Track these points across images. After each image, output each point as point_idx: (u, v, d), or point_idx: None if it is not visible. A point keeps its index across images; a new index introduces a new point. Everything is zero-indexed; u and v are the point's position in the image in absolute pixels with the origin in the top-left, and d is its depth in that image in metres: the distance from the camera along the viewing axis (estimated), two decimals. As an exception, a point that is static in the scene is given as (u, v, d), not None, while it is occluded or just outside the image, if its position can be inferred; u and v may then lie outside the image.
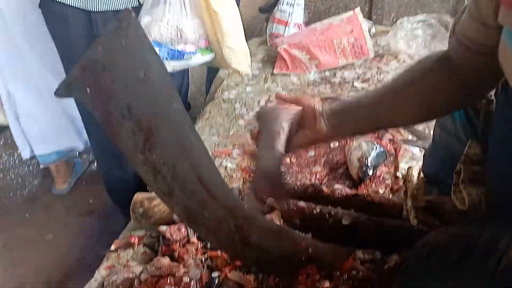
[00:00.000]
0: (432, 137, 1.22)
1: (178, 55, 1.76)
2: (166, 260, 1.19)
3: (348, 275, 0.98)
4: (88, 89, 0.73)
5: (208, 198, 0.86)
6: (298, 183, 1.42)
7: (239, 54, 1.87)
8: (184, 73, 2.40)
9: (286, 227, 0.94)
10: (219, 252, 1.17)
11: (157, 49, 1.67)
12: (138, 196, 1.38)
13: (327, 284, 0.95)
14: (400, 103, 0.86)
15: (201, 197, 0.86)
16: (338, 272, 0.98)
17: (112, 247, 1.31)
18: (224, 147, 1.73)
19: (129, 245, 1.32)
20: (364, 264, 1.03)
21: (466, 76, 0.80)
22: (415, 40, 2.14)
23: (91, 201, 2.40)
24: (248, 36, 2.31)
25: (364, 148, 1.50)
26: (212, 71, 2.49)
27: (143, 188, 1.68)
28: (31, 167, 2.72)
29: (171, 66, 1.77)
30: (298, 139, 0.92)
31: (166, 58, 1.74)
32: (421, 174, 1.42)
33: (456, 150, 0.96)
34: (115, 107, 0.74)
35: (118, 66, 0.69)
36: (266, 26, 2.50)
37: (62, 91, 0.74)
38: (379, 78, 2.07)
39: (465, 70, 0.79)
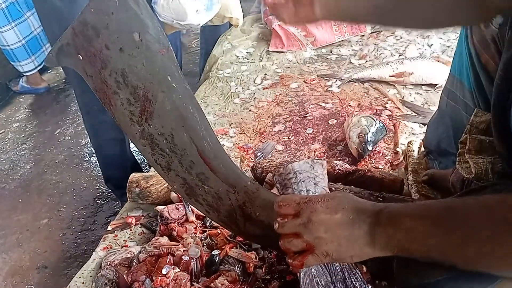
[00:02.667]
0: (438, 106, 1.18)
1: (210, 6, 1.77)
2: (164, 240, 1.16)
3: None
4: (80, 56, 0.69)
5: (208, 172, 0.83)
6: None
7: (235, 4, 2.12)
8: (178, 41, 2.34)
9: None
10: (218, 230, 1.15)
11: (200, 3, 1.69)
12: (134, 175, 1.34)
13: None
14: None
15: (200, 170, 0.83)
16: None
17: (109, 228, 1.29)
18: (221, 126, 1.70)
19: (126, 225, 1.29)
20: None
21: None
22: (412, 15, 2.10)
23: (85, 185, 2.36)
24: (243, 13, 2.26)
25: (364, 124, 1.47)
26: (205, 49, 2.44)
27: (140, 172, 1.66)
28: (22, 152, 2.67)
29: (205, 18, 1.81)
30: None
31: (204, 9, 1.74)
32: (422, 148, 1.40)
33: (464, 119, 0.93)
34: (109, 74, 0.70)
35: (112, 28, 0.65)
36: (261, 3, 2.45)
37: (52, 59, 0.70)
38: (376, 55, 2.04)
39: None
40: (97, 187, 2.34)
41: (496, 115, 0.75)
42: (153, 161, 0.81)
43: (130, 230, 1.27)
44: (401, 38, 2.12)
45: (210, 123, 1.66)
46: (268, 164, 1.34)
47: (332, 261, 0.70)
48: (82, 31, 0.66)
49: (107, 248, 1.22)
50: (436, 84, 1.78)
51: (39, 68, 3.12)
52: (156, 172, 1.37)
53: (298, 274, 0.78)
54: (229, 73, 2.06)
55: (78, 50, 0.68)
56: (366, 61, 2.02)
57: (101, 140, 1.89)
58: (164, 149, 0.79)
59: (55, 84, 3.34)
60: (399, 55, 1.99)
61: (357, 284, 0.78)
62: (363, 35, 2.17)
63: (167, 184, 1.29)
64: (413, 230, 0.62)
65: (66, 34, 0.67)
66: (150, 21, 0.65)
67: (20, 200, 2.33)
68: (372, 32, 2.19)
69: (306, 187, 0.95)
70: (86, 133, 2.65)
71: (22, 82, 3.22)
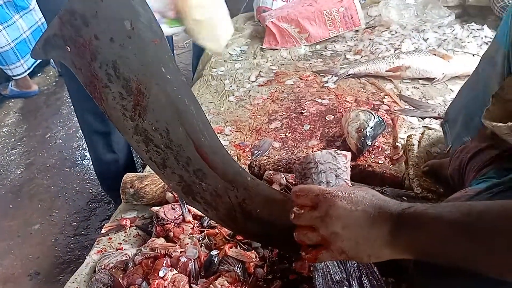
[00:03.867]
0: (475, 69, 1.14)
1: None
2: (161, 241, 1.12)
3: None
4: (68, 48, 0.65)
5: (206, 168, 0.80)
6: (295, 157, 1.36)
7: (209, 29, 1.58)
8: (169, 42, 2.30)
9: (290, 195, 0.88)
10: (217, 230, 1.11)
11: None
12: (128, 176, 1.30)
13: (335, 255, 0.90)
14: None
15: (198, 166, 0.79)
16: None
17: (103, 231, 1.25)
18: (216, 124, 1.66)
19: (120, 228, 1.25)
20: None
21: None
22: (407, 9, 2.08)
23: (77, 188, 2.31)
24: (235, 11, 2.23)
25: (362, 118, 1.44)
26: (198, 48, 2.40)
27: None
28: (13, 157, 2.61)
29: None
30: None
31: None
32: (422, 143, 1.37)
33: (496, 84, 0.89)
34: (99, 66, 0.66)
35: (101, 17, 0.61)
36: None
37: (39, 51, 0.66)
38: (371, 50, 2.01)
39: None
40: (90, 191, 2.29)
41: None
42: (147, 158, 0.77)
43: (125, 232, 1.23)
44: (396, 33, 2.10)
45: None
46: (266, 161, 1.31)
47: (348, 259, 0.66)
48: (69, 21, 0.62)
49: (102, 251, 1.18)
50: (434, 78, 1.76)
51: (28, 71, 3.07)
52: (151, 172, 1.34)
53: (311, 268, 0.74)
54: (223, 71, 2.02)
55: (66, 41, 0.64)
56: (362, 57, 1.99)
57: (84, 118, 1.82)
58: (159, 145, 0.75)
59: (45, 87, 3.29)
60: (395, 50, 1.97)
61: (374, 283, 0.74)
62: (358, 30, 2.15)
63: (163, 183, 1.25)
64: (438, 233, 0.58)
65: (53, 24, 0.63)
66: (141, 8, 0.61)
67: (11, 206, 2.28)
68: (367, 28, 2.16)
69: (326, 178, 0.91)
70: (78, 136, 2.62)
71: (11, 86, 3.16)
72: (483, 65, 1.03)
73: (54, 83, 3.32)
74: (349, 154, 0.99)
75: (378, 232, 0.61)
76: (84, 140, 2.03)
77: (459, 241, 0.56)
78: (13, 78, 3.06)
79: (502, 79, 0.88)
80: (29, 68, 3.05)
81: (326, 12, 2.07)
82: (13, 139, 2.78)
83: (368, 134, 1.40)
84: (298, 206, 0.69)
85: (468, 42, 1.90)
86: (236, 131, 1.62)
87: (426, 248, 0.59)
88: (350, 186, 0.92)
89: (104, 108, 0.71)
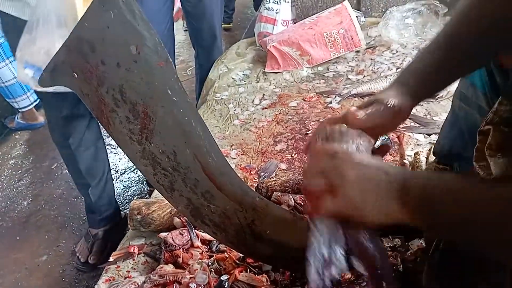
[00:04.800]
0: (451, 108, 1.14)
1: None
2: (170, 267, 1.11)
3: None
4: (75, 74, 0.66)
5: (214, 189, 0.79)
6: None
7: None
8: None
9: (301, 215, 0.87)
10: (226, 254, 1.10)
11: (30, 71, 1.42)
12: (135, 202, 1.30)
13: (348, 275, 0.88)
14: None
15: (206, 188, 0.79)
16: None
17: (111, 259, 1.23)
18: (221, 148, 1.66)
19: (128, 255, 1.23)
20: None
21: None
22: (406, 29, 2.10)
23: (84, 218, 2.30)
24: (237, 38, 2.26)
25: (368, 136, 1.43)
26: (201, 73, 2.43)
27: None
28: (19, 189, 2.62)
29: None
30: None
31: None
32: (429, 159, 1.37)
33: (478, 122, 0.89)
34: (106, 91, 0.67)
35: (108, 43, 0.62)
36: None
37: (46, 79, 0.67)
38: (373, 69, 2.03)
39: None
40: (97, 220, 2.27)
41: None
42: (155, 182, 0.77)
43: (133, 260, 1.22)
44: (397, 52, 2.11)
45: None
46: (273, 182, 1.30)
47: (351, 213, 0.63)
48: (76, 48, 0.63)
49: (110, 280, 1.16)
50: (437, 95, 1.76)
51: (35, 104, 3.11)
52: (158, 198, 1.33)
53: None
54: (226, 95, 2.04)
55: (73, 68, 0.65)
56: (364, 76, 2.00)
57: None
58: (167, 168, 0.75)
59: (51, 119, 3.32)
60: (397, 69, 1.98)
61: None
62: (359, 51, 2.17)
63: (170, 208, 1.25)
64: (448, 188, 0.56)
65: (60, 51, 0.64)
66: (147, 32, 0.62)
67: (18, 238, 2.26)
68: (368, 48, 2.18)
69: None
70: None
71: (17, 118, 3.19)
72: (458, 103, 1.04)
73: (60, 114, 3.35)
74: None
75: (389, 183, 0.59)
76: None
77: (466, 200, 0.55)
78: (20, 110, 3.10)
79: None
80: (35, 101, 3.08)
81: (327, 34, 2.10)
82: (19, 171, 2.79)
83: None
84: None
85: (469, 58, 1.91)
86: (242, 154, 1.62)
87: (436, 205, 0.56)
88: None
89: (111, 133, 0.72)
